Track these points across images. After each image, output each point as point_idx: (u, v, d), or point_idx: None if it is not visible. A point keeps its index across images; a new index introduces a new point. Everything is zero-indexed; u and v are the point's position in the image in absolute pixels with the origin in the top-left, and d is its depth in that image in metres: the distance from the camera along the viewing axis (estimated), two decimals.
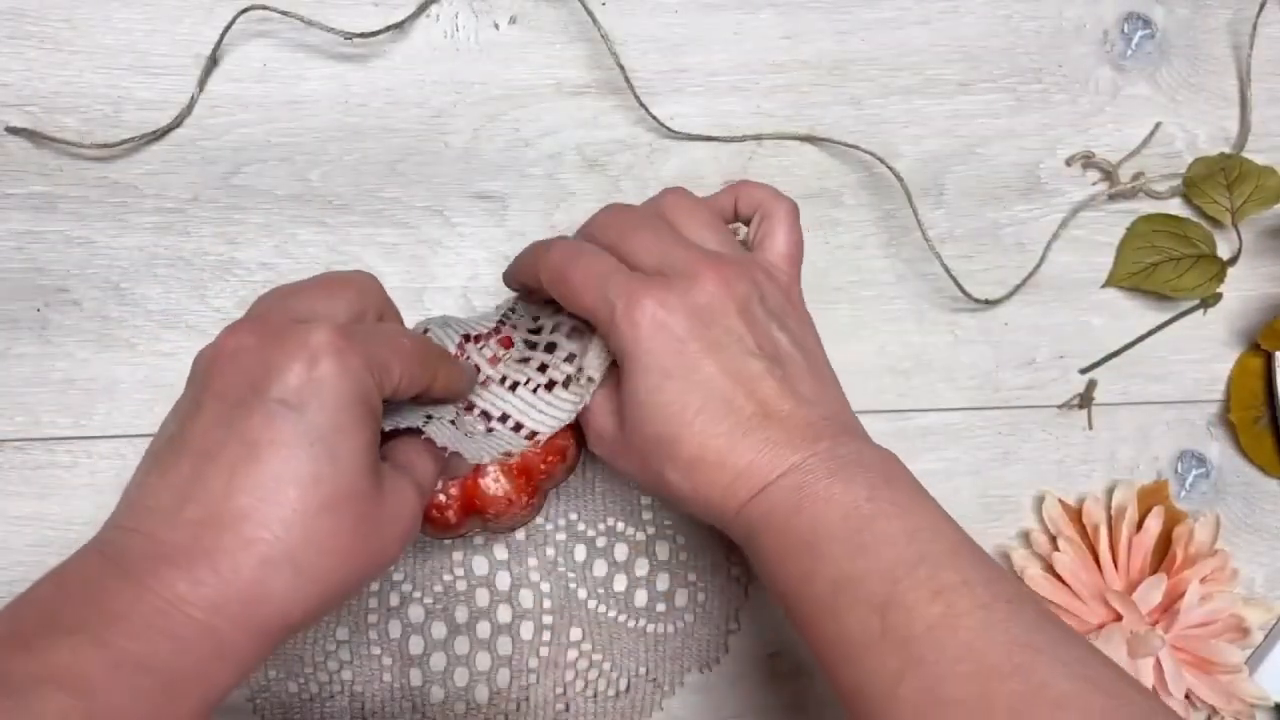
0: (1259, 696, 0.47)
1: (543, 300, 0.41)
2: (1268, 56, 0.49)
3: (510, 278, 0.42)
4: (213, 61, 0.44)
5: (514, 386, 0.39)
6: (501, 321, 0.42)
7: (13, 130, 0.43)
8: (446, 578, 0.45)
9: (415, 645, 0.45)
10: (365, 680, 0.44)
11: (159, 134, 0.44)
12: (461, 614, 0.45)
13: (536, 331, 0.41)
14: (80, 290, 0.44)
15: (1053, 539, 0.47)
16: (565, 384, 0.39)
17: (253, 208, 0.44)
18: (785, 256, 0.40)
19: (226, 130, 0.44)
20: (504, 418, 0.39)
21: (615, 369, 0.38)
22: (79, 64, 0.44)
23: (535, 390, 0.39)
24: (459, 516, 0.40)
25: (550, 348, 0.40)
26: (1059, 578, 0.47)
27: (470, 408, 0.39)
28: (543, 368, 0.39)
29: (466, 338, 0.41)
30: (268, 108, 0.44)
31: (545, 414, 0.39)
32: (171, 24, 0.44)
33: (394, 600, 0.45)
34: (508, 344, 0.40)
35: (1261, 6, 0.48)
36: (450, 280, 0.45)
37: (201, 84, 0.44)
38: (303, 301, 0.34)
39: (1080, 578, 0.46)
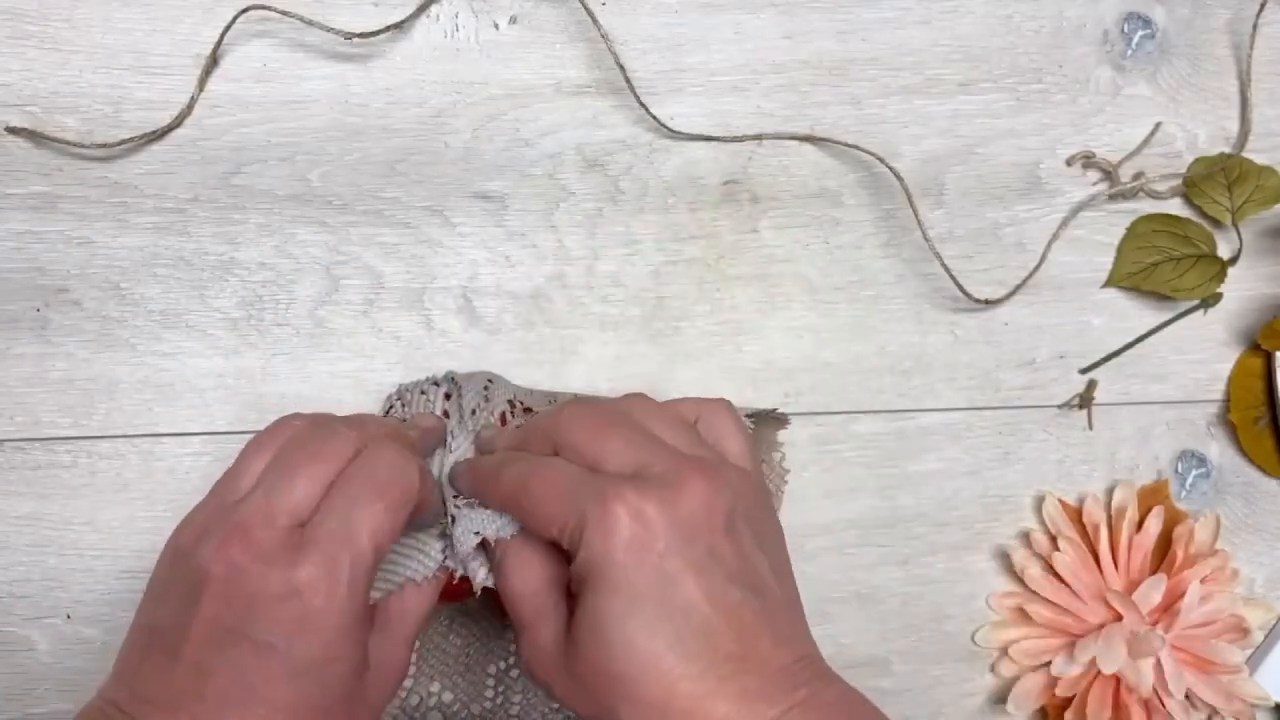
0: (1259, 696, 0.47)
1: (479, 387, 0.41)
2: (1268, 56, 0.49)
3: (458, 479, 0.39)
4: (213, 61, 0.44)
5: None
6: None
7: (13, 130, 0.43)
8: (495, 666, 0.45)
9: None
10: None
11: (159, 134, 0.44)
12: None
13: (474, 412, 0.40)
14: (80, 290, 0.44)
15: (1053, 539, 0.47)
16: None
17: (253, 208, 0.44)
18: (742, 453, 0.36)
19: (226, 130, 0.44)
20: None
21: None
22: (79, 64, 0.44)
23: None
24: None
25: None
26: (1059, 578, 0.47)
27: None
28: None
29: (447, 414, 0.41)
30: (268, 108, 0.44)
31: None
32: (171, 24, 0.44)
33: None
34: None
35: (1262, 6, 0.48)
36: (450, 280, 0.45)
37: (201, 84, 0.44)
38: (368, 523, 0.33)
39: (1080, 578, 0.46)
